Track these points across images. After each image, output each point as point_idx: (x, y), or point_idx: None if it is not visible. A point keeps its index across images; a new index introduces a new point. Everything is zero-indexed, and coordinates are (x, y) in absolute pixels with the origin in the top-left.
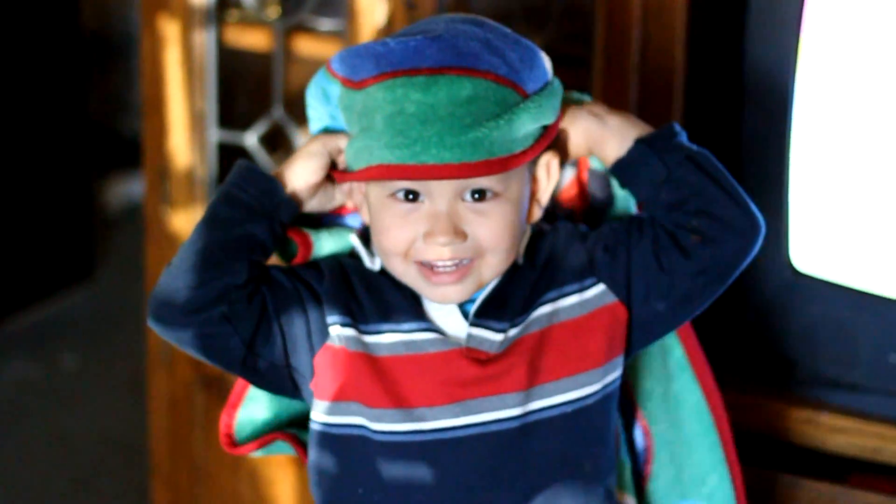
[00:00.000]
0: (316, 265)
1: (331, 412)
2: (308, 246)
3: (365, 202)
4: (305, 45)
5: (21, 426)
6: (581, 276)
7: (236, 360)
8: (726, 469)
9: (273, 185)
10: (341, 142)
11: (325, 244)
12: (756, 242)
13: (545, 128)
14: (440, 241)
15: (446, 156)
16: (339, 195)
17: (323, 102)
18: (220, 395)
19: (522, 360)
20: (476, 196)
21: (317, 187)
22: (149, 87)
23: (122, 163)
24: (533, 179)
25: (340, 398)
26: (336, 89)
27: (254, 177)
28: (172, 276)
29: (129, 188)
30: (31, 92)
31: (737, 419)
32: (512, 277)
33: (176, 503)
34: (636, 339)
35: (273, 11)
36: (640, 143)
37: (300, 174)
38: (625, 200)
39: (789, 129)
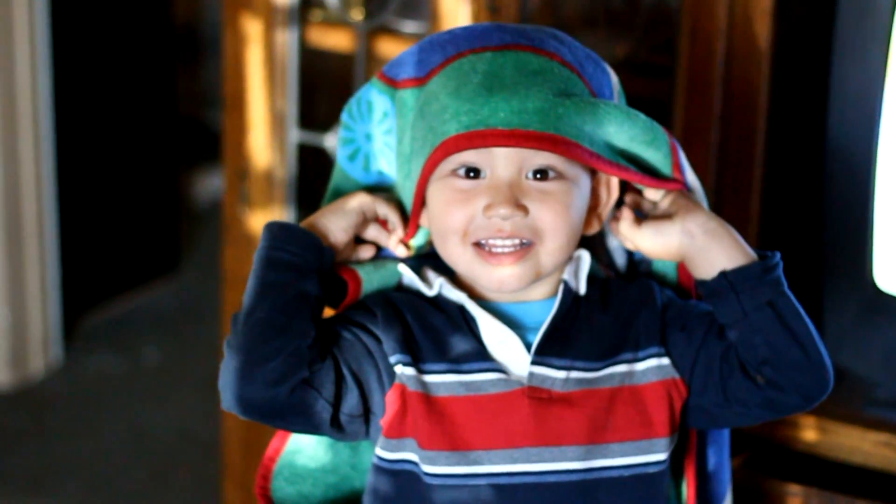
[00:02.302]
0: (364, 305)
1: (389, 448)
2: (358, 281)
3: (425, 215)
4: (388, 47)
5: (101, 419)
6: (656, 343)
7: (325, 422)
8: None
9: (313, 239)
10: (379, 205)
11: (374, 276)
12: (821, 399)
13: (616, 154)
14: (501, 213)
15: (514, 120)
16: (363, 252)
17: (364, 119)
18: None
19: (588, 414)
20: (538, 176)
21: (348, 244)
22: (230, 86)
23: (210, 157)
24: (593, 194)
25: (399, 435)
26: (383, 101)
27: (291, 235)
28: (241, 354)
29: (216, 182)
30: (122, 84)
31: (813, 442)
32: (576, 310)
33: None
34: (687, 418)
35: (357, 13)
36: (723, 276)
37: (332, 230)
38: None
39: (876, 145)
